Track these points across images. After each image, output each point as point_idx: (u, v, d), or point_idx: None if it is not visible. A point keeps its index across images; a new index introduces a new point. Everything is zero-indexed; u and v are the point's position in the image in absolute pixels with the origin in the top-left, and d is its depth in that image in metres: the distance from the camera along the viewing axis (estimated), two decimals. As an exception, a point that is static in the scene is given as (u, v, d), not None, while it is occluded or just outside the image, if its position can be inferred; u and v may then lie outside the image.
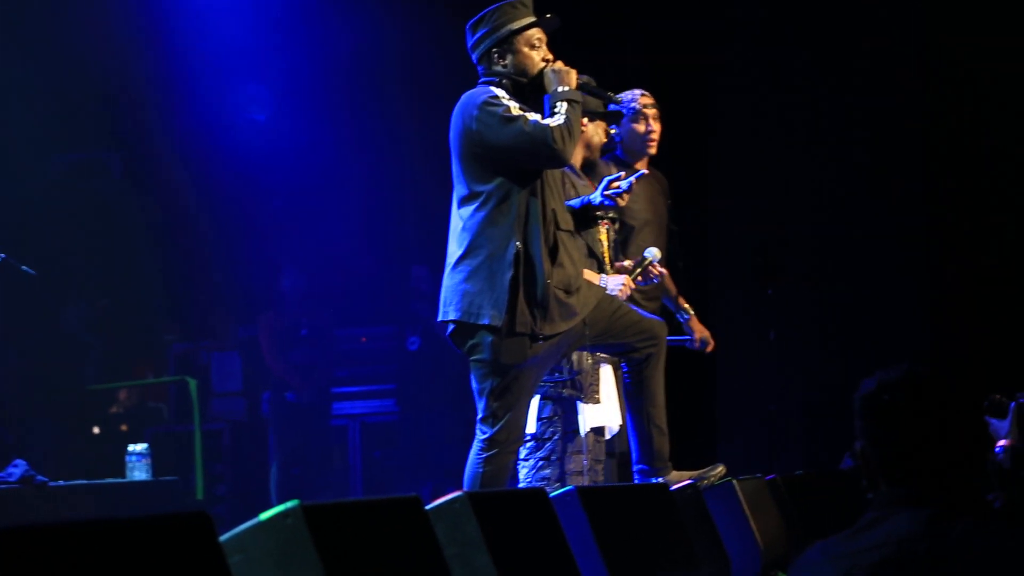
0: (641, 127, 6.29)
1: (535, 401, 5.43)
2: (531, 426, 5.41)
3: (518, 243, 4.85)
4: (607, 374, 5.65)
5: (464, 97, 5.00)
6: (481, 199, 4.91)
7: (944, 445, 2.31)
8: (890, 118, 8.95)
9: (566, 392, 5.49)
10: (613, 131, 6.27)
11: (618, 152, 6.37)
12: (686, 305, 6.59)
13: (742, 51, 9.34)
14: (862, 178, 8.99)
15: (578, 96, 4.98)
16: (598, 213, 5.43)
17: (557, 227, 4.99)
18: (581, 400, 5.50)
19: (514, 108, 4.88)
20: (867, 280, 8.96)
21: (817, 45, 9.08)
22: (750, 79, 9.31)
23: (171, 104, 10.17)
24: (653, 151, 6.32)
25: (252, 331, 10.24)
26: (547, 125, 4.83)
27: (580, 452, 5.49)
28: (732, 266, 9.06)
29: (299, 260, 10.20)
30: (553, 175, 5.07)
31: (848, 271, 9.03)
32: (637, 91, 6.36)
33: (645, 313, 5.41)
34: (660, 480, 5.23)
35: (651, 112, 6.31)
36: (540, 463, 5.47)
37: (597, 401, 5.53)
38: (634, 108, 6.27)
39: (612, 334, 5.19)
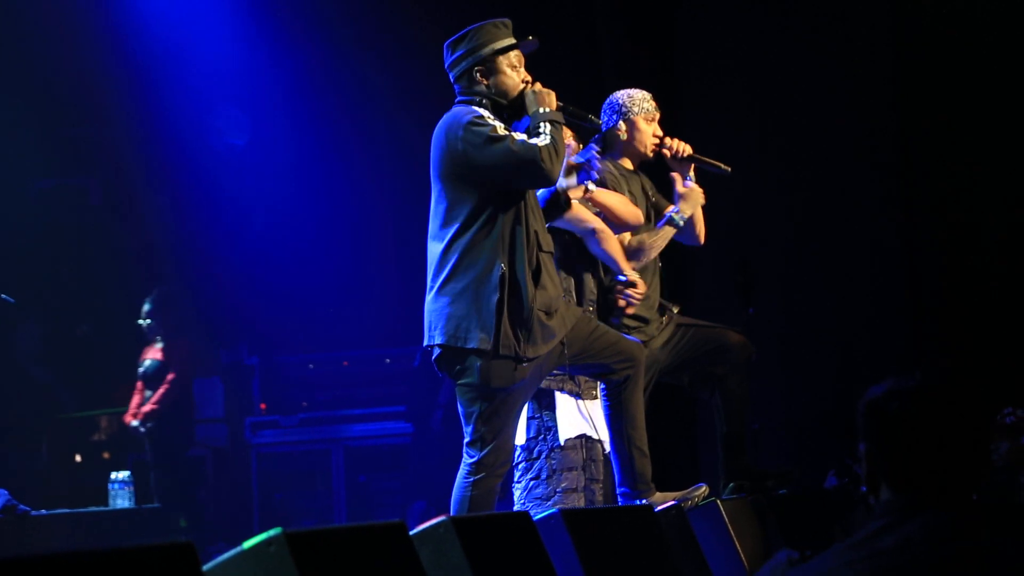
0: (654, 129, 6.15)
1: (521, 421, 5.40)
2: (519, 438, 5.39)
3: (503, 265, 4.83)
4: None
5: (447, 117, 4.96)
6: (464, 221, 4.86)
7: (953, 455, 2.30)
8: (866, 130, 8.98)
9: (566, 388, 5.48)
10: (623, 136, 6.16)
11: (606, 150, 6.20)
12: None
13: (711, 61, 9.37)
14: (840, 195, 9.01)
15: (560, 117, 4.95)
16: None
17: (539, 249, 4.97)
18: (579, 397, 5.49)
19: (499, 128, 4.84)
20: (848, 297, 8.97)
21: (790, 53, 9.13)
22: (721, 94, 9.32)
23: (149, 129, 10.16)
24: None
25: (235, 357, 10.21)
26: (535, 144, 4.79)
27: (574, 468, 5.47)
28: (713, 285, 9.05)
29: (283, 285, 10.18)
30: (533, 197, 5.07)
31: (829, 289, 9.04)
32: (646, 92, 6.19)
33: (627, 336, 5.40)
34: (643, 502, 5.22)
35: (658, 115, 6.20)
36: (531, 483, 5.45)
37: (594, 397, 5.51)
38: (648, 108, 6.13)
39: (590, 354, 5.16)
